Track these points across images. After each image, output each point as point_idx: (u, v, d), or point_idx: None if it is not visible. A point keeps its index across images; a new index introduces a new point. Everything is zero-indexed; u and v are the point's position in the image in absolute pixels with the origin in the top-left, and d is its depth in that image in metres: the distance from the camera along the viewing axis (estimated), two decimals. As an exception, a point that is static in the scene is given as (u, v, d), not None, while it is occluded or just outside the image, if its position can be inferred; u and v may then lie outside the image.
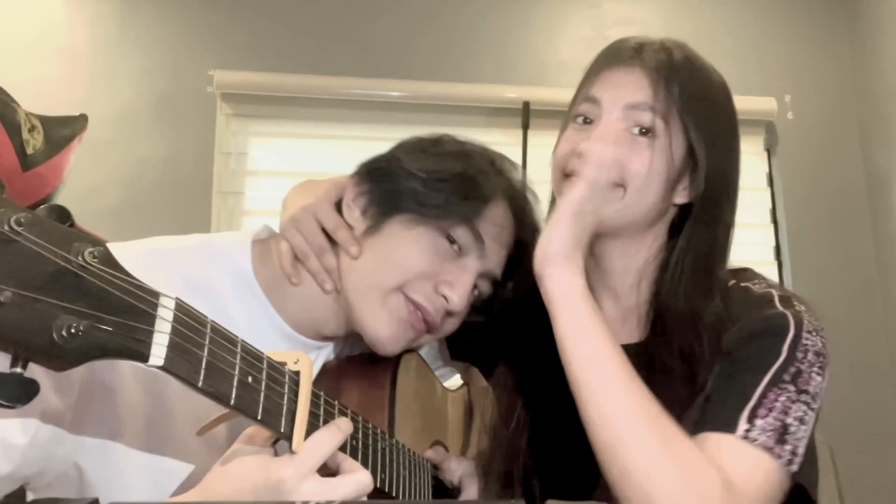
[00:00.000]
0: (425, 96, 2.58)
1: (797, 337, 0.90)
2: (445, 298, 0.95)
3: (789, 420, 0.85)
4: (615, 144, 0.97)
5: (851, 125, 2.76)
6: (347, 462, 0.77)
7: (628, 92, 1.00)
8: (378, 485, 0.85)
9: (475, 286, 1.00)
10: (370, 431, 0.86)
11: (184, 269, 0.91)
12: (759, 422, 0.84)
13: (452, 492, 1.08)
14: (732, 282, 1.01)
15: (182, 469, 0.86)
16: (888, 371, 2.59)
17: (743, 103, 2.87)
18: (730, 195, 1.05)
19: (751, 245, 2.67)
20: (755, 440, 0.83)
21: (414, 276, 0.94)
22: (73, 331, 0.49)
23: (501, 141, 2.45)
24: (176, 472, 0.86)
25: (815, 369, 0.89)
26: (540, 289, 0.91)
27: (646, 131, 0.98)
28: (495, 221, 1.00)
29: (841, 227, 2.68)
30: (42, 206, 0.51)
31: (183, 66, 2.50)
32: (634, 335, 1.04)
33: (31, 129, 1.83)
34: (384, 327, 0.95)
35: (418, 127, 2.52)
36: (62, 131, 1.93)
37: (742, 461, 0.82)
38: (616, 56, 1.04)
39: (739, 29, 2.79)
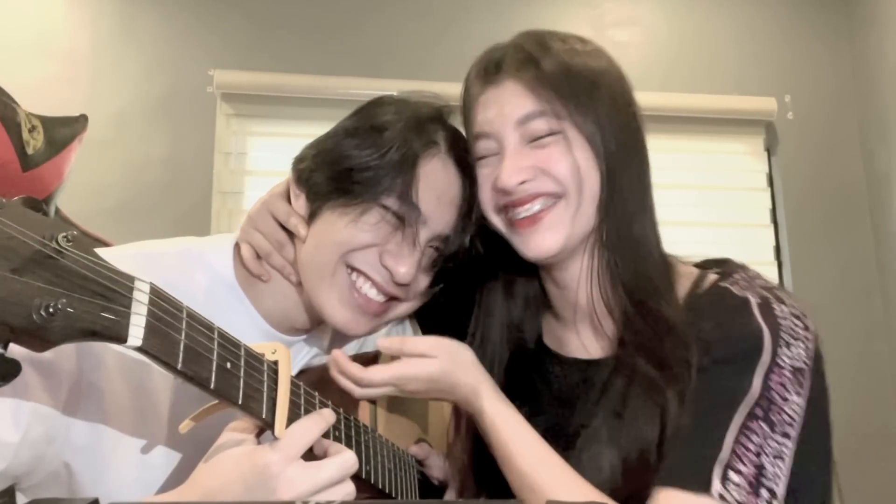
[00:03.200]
0: (425, 96, 2.57)
1: (772, 357, 0.84)
2: (390, 271, 0.94)
3: (764, 460, 0.80)
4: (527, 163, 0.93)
5: (851, 125, 2.76)
6: (334, 447, 0.78)
7: (511, 110, 0.94)
8: (364, 476, 0.85)
9: (429, 251, 0.97)
10: (352, 423, 0.86)
11: (165, 274, 0.91)
12: (733, 475, 0.79)
13: (438, 488, 1.08)
14: (712, 278, 0.95)
15: (168, 465, 0.87)
16: (888, 371, 2.59)
17: (743, 103, 2.89)
18: (635, 174, 0.96)
19: (751, 245, 2.67)
20: (730, 499, 0.78)
21: (353, 249, 0.93)
22: (51, 310, 0.50)
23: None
24: (162, 468, 0.87)
25: (792, 389, 0.83)
26: None
27: (548, 134, 0.93)
28: (434, 181, 0.96)
29: (841, 227, 2.68)
30: (16, 198, 0.52)
31: (183, 66, 2.51)
32: (609, 348, 0.99)
33: (32, 130, 1.83)
34: (337, 310, 0.95)
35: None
36: (63, 132, 1.93)
37: None
38: (482, 78, 1.00)
39: (739, 29, 2.79)
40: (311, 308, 0.99)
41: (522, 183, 0.93)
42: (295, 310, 1.00)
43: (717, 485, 0.78)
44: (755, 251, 2.66)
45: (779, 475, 0.80)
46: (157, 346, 0.58)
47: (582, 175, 0.92)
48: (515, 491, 0.88)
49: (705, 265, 1.00)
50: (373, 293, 0.95)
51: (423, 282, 0.99)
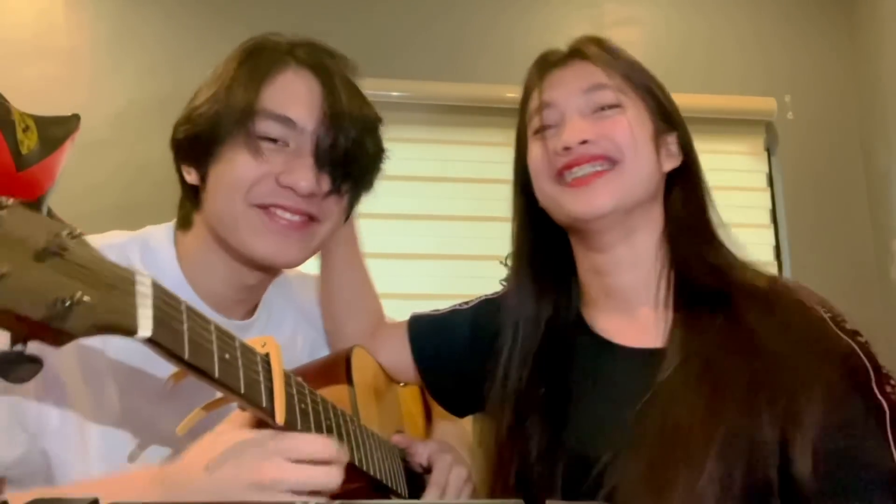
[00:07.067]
0: (425, 96, 2.58)
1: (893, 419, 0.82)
2: (293, 188, 0.95)
3: None
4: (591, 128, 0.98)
5: (851, 125, 2.76)
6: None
7: (579, 81, 1.01)
8: (357, 463, 0.87)
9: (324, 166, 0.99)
10: (340, 414, 0.88)
11: None
12: None
13: (421, 474, 1.09)
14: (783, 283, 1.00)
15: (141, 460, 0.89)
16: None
17: (743, 103, 2.89)
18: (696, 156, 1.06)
19: (751, 245, 2.62)
20: None
21: (247, 187, 0.95)
22: (67, 303, 0.51)
23: (501, 141, 2.45)
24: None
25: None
26: None
27: (612, 106, 0.99)
28: (292, 91, 0.99)
29: (841, 228, 2.68)
30: (16, 199, 0.53)
31: (183, 66, 2.51)
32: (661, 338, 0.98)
33: (26, 130, 1.84)
34: (261, 245, 0.97)
35: (418, 127, 2.52)
36: (55, 131, 1.93)
37: None
38: (550, 63, 1.05)
39: (739, 29, 2.79)
40: (238, 259, 1.00)
41: (584, 143, 0.96)
42: (228, 271, 1.01)
43: None
44: (755, 251, 2.63)
45: None
46: (165, 338, 0.59)
47: (640, 146, 0.97)
48: None
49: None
50: (288, 216, 0.97)
51: (335, 201, 1.01)
